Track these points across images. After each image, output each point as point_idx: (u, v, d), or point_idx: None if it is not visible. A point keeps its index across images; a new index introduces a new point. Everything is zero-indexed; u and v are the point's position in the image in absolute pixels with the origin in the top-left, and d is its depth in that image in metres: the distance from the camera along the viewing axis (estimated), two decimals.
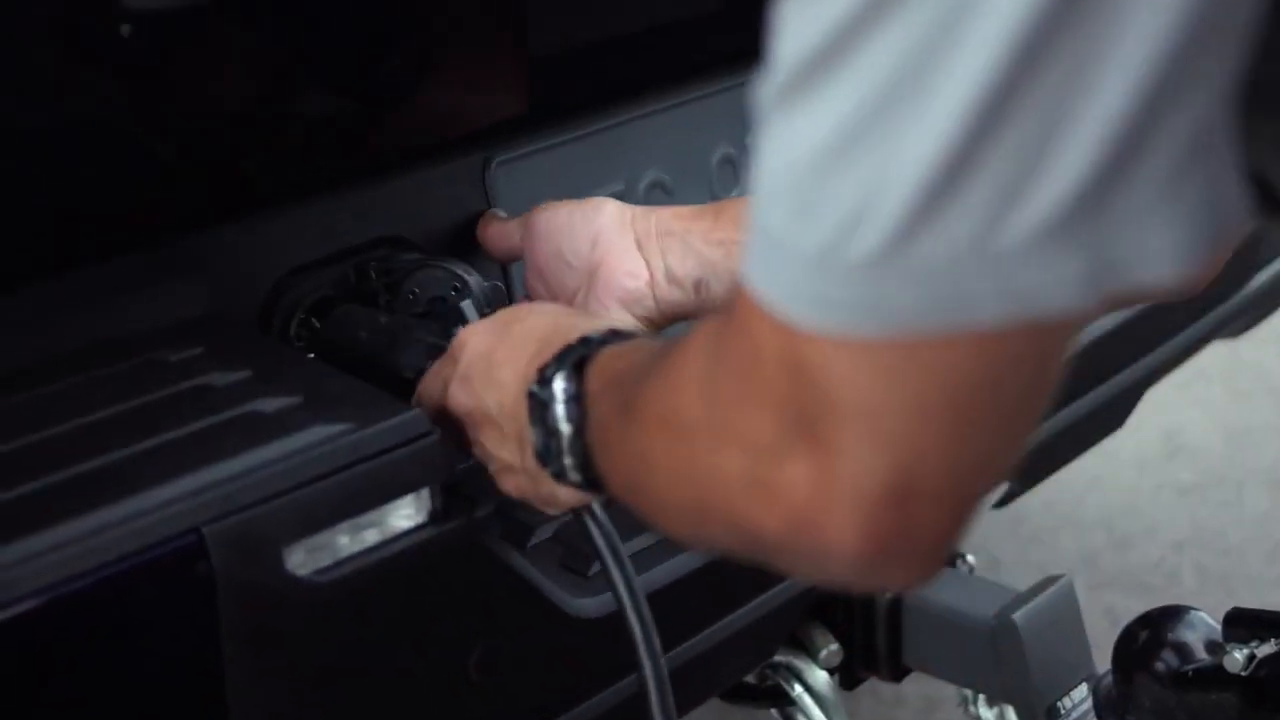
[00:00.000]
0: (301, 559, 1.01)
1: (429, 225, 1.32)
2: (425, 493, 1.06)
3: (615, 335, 1.00)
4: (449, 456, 1.07)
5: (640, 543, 1.23)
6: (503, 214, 1.33)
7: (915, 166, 0.62)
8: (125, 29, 1.07)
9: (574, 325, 1.02)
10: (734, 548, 0.81)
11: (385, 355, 1.18)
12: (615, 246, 1.21)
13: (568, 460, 0.99)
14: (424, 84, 1.34)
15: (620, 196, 1.33)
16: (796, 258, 0.66)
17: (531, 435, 1.00)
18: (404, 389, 1.13)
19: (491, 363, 1.05)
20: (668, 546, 1.25)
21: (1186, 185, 0.62)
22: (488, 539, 1.13)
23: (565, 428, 0.98)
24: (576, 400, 0.98)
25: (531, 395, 1.00)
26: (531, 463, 1.02)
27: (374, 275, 1.26)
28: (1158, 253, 0.63)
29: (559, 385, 0.98)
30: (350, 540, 1.03)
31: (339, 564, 1.03)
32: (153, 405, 1.05)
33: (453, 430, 1.08)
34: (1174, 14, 0.59)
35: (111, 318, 1.13)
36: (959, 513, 0.71)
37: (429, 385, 1.12)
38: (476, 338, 1.08)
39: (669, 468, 0.83)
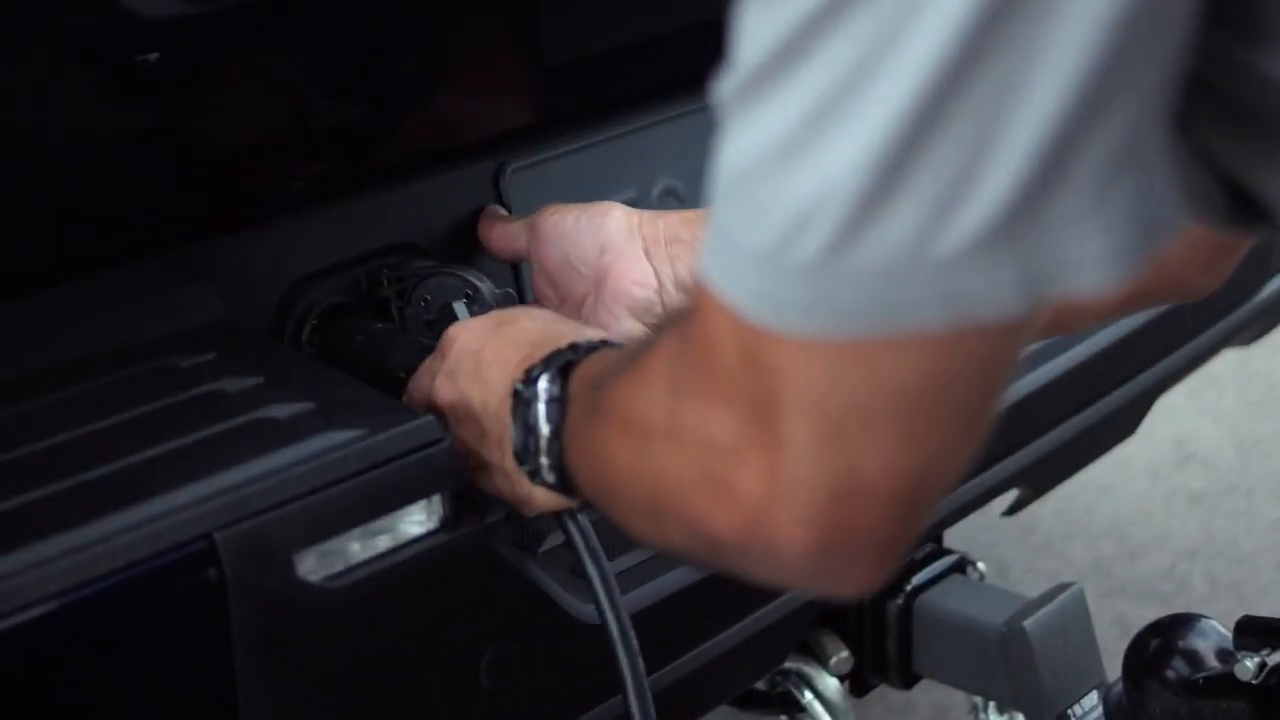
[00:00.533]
0: (313, 565, 1.01)
1: (442, 232, 1.32)
2: (437, 499, 1.06)
3: (605, 345, 1.01)
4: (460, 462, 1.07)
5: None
6: (503, 211, 1.32)
7: (854, 173, 0.63)
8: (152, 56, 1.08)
9: (565, 332, 1.03)
10: (691, 549, 0.81)
11: (380, 356, 1.18)
12: (623, 254, 1.21)
13: (544, 460, 0.99)
14: (437, 91, 1.34)
15: (633, 203, 1.32)
16: (750, 256, 0.67)
17: (512, 433, 1.01)
18: (398, 390, 1.13)
19: (480, 361, 1.06)
20: None
21: (1115, 194, 0.63)
22: (499, 545, 1.13)
23: (545, 428, 0.99)
24: (558, 402, 0.98)
25: (516, 393, 1.00)
26: (510, 462, 1.02)
27: (386, 282, 1.26)
28: (1089, 260, 0.63)
29: (543, 385, 0.99)
30: (362, 546, 1.03)
31: (350, 570, 1.03)
32: (164, 411, 1.05)
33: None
34: (1104, 26, 0.60)
35: (124, 324, 1.13)
36: (907, 514, 0.71)
37: (418, 380, 1.12)
38: (467, 334, 1.09)
39: (627, 466, 0.84)
